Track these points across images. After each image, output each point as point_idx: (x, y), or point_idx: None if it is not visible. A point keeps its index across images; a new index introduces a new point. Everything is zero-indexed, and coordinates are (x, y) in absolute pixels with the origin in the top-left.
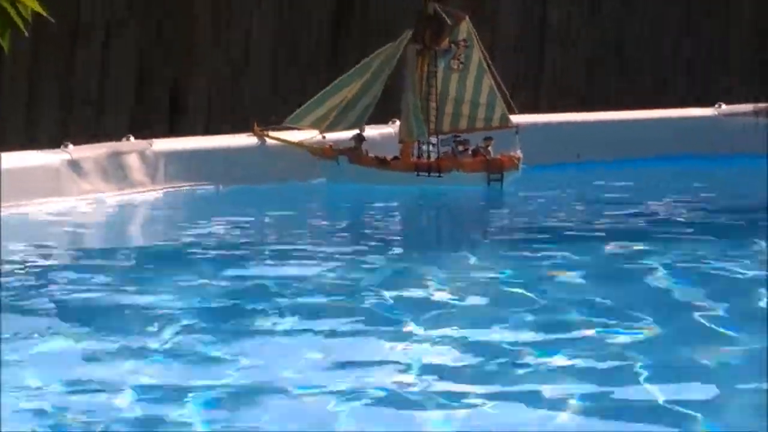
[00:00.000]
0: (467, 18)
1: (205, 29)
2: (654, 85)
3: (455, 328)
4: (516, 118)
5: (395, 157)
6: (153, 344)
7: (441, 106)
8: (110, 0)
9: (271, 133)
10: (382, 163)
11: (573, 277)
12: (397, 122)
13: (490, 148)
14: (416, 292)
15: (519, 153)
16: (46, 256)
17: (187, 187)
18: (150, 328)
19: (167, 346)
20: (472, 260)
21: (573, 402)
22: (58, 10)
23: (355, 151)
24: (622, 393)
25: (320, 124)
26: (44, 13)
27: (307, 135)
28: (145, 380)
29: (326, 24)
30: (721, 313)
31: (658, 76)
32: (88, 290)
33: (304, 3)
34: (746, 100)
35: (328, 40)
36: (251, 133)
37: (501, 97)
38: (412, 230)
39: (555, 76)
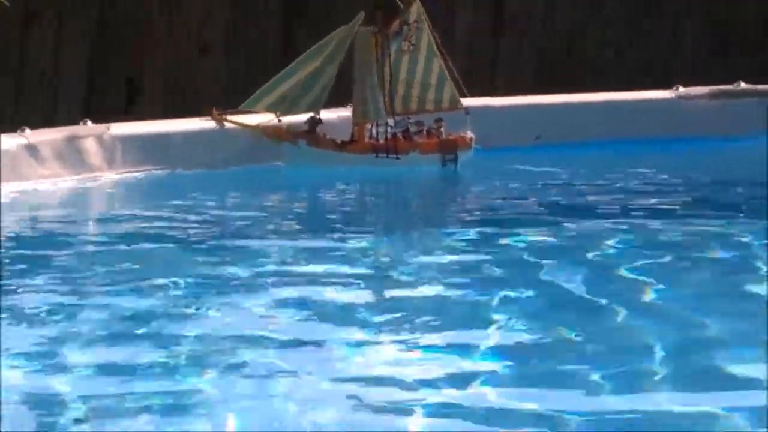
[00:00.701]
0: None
1: (160, 11)
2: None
3: (411, 311)
4: (470, 101)
5: (351, 140)
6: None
7: (393, 88)
8: None
9: (229, 117)
10: (340, 146)
11: (527, 256)
12: None
13: (442, 129)
14: (382, 275)
15: (470, 133)
16: None
17: (146, 172)
18: (92, 317)
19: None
20: (458, 238)
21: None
22: None
23: (312, 134)
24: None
25: (277, 108)
26: None
27: (264, 119)
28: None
29: (279, 12)
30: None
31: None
32: (35, 277)
33: None
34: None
35: (281, 29)
36: (209, 117)
37: (451, 79)
38: (380, 213)
39: (510, 66)
